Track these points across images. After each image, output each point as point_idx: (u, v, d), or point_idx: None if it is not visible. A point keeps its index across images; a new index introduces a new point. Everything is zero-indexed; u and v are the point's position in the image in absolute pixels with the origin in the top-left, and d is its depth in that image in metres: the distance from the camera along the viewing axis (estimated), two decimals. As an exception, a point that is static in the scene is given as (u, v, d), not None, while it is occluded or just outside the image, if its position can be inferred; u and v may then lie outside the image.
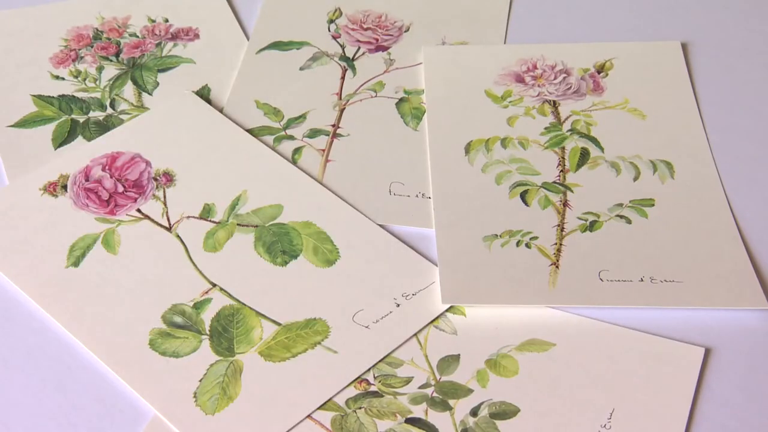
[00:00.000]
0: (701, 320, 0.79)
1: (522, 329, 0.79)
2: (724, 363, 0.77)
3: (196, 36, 1.04)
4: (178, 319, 0.79)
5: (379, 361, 0.77)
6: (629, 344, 0.78)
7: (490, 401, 0.75)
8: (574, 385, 0.75)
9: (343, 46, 1.04)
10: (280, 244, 0.85)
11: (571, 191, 0.89)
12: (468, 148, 0.92)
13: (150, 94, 0.98)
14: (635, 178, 0.90)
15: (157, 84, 0.99)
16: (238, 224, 0.86)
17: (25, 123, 0.95)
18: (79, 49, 1.02)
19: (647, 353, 0.77)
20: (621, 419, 0.73)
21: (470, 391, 0.75)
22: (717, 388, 0.76)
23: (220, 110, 0.96)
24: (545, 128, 0.94)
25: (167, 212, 0.87)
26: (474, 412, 0.74)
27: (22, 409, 0.74)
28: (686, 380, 0.76)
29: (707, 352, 0.78)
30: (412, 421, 0.74)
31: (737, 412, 0.74)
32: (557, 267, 0.82)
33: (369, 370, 0.76)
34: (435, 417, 0.74)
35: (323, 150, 0.94)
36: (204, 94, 0.98)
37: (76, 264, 0.83)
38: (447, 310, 0.80)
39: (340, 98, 0.99)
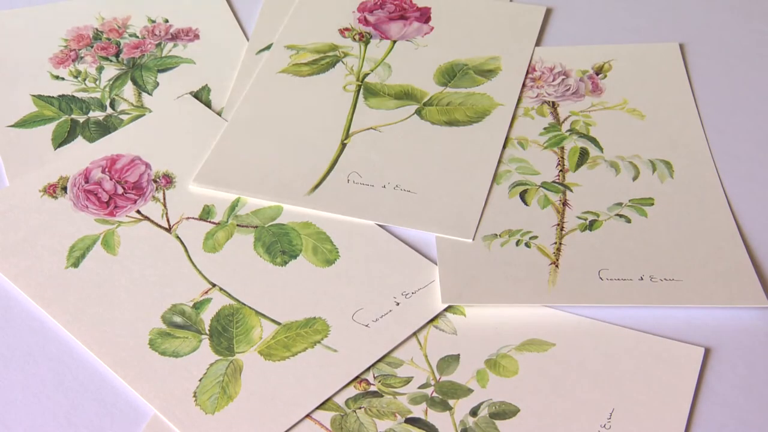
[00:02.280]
0: (701, 319, 0.79)
1: (522, 329, 0.79)
2: (724, 363, 0.77)
3: (196, 36, 1.04)
4: (178, 319, 0.79)
5: (380, 359, 0.77)
6: (629, 344, 0.78)
7: (490, 401, 0.75)
8: (574, 384, 0.75)
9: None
10: (279, 244, 0.84)
11: (571, 191, 0.89)
12: (467, 149, 0.93)
13: (150, 94, 0.98)
14: (634, 178, 0.89)
15: (157, 84, 0.99)
16: (237, 225, 0.86)
17: (25, 123, 0.95)
18: (79, 49, 1.02)
19: (647, 353, 0.77)
20: (621, 419, 0.73)
21: (470, 391, 0.75)
22: (717, 387, 0.76)
23: (220, 111, 0.96)
24: (544, 128, 0.94)
25: (167, 213, 0.87)
26: (474, 412, 0.74)
27: (22, 409, 0.74)
28: (686, 380, 0.75)
29: (707, 352, 0.78)
30: (412, 421, 0.74)
31: (737, 412, 0.74)
32: (557, 266, 0.82)
33: (369, 368, 0.76)
34: (435, 417, 0.74)
35: (323, 150, 0.94)
36: (204, 94, 0.98)
37: (75, 265, 0.83)
38: (446, 310, 0.80)
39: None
